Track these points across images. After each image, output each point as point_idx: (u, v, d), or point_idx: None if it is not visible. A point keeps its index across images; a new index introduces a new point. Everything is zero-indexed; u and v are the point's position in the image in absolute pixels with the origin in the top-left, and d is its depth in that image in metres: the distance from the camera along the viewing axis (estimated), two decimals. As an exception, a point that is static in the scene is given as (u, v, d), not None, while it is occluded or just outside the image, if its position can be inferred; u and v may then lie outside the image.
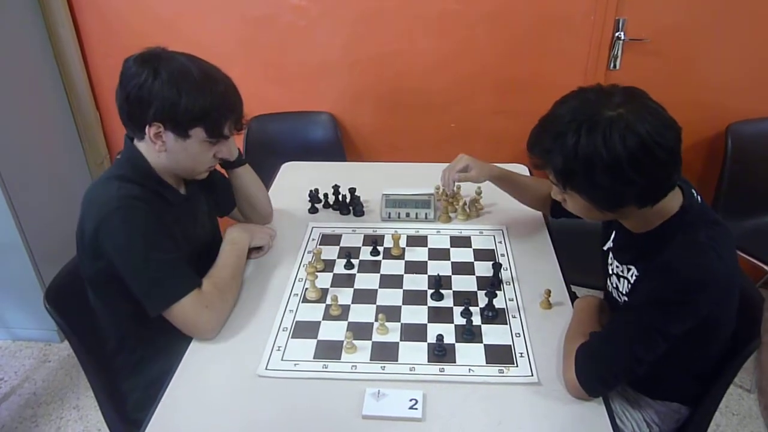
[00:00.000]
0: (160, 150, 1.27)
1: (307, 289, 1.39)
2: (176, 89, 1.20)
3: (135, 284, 1.23)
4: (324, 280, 1.43)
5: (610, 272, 1.28)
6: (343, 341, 1.22)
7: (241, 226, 1.52)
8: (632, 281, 1.19)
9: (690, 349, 1.16)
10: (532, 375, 1.14)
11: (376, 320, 1.27)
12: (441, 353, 1.19)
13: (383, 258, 1.51)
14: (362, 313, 1.32)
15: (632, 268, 1.20)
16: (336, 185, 1.74)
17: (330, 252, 1.54)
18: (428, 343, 1.22)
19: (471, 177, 1.53)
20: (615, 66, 2.29)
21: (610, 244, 1.30)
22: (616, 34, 2.24)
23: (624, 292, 1.23)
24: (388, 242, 1.57)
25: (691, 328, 1.08)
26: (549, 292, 1.32)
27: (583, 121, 1.01)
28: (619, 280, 1.24)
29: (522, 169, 1.97)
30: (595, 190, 1.06)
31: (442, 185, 1.58)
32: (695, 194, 1.16)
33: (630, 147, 0.98)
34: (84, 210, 1.26)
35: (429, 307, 1.34)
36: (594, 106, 1.03)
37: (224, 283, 1.32)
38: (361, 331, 1.25)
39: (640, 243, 1.17)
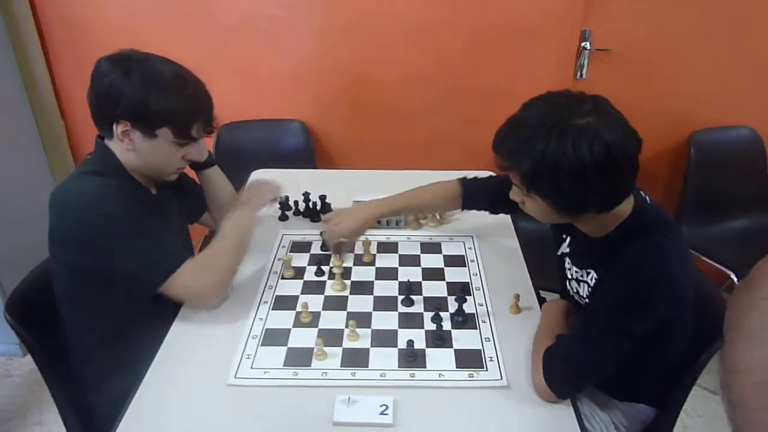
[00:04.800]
0: (128, 148, 1.27)
1: (333, 282, 1.41)
2: (145, 89, 1.21)
3: (129, 264, 1.23)
4: (294, 287, 1.42)
5: (569, 277, 1.30)
6: (313, 348, 1.21)
7: (243, 209, 1.44)
8: (592, 284, 1.21)
9: (651, 350, 1.18)
10: (502, 379, 1.15)
11: (347, 327, 1.27)
12: (411, 359, 1.19)
13: (354, 264, 1.51)
14: (333, 320, 1.31)
15: (591, 271, 1.22)
16: (306, 192, 1.74)
17: (300, 259, 1.53)
18: (399, 349, 1.22)
19: (345, 234, 1.49)
20: (582, 75, 2.34)
21: (565, 249, 1.33)
22: (582, 44, 2.29)
23: (585, 296, 1.25)
24: (358, 249, 1.56)
25: (653, 327, 1.10)
26: (518, 297, 1.34)
27: (553, 126, 1.03)
28: (579, 285, 1.26)
29: (492, 177, 1.99)
30: (559, 195, 1.08)
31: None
32: (644, 195, 1.19)
33: (596, 155, 1.01)
34: (58, 208, 1.24)
35: (399, 312, 1.34)
36: (563, 111, 1.05)
37: (223, 251, 1.33)
38: (331, 337, 1.25)
39: (598, 247, 1.19)
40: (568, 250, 1.32)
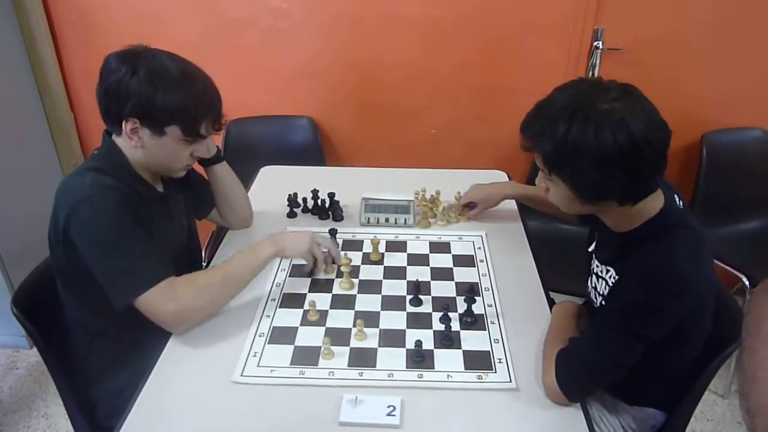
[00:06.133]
0: (136, 146, 1.26)
1: (341, 280, 1.41)
2: (153, 86, 1.20)
3: (101, 274, 1.20)
4: (301, 285, 1.42)
5: (592, 272, 1.29)
6: (320, 347, 1.21)
7: (276, 236, 1.38)
8: (610, 283, 1.20)
9: (664, 354, 1.17)
10: (511, 381, 1.14)
11: (354, 326, 1.26)
12: (419, 359, 1.18)
13: (362, 263, 1.50)
14: (340, 319, 1.30)
15: (610, 269, 1.20)
16: (315, 189, 1.73)
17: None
18: (407, 349, 1.21)
19: (483, 209, 1.63)
20: (593, 74, 2.31)
21: (594, 246, 1.31)
22: (595, 43, 2.26)
23: (601, 293, 1.23)
24: (367, 247, 1.55)
25: (667, 332, 1.09)
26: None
27: (577, 110, 1.02)
28: (598, 281, 1.25)
29: (501, 176, 1.98)
30: (579, 180, 1.07)
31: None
32: (677, 199, 1.17)
33: (620, 142, 0.99)
34: (57, 201, 1.24)
35: (408, 312, 1.33)
36: (591, 97, 1.04)
37: (205, 283, 1.26)
38: (338, 336, 1.24)
39: (618, 242, 1.18)
40: (595, 246, 1.31)
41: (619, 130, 0.99)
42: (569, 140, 1.02)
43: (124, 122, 1.22)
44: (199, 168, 1.51)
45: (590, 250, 1.33)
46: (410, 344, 1.21)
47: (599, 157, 1.01)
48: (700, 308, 1.16)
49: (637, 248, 1.11)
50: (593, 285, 1.28)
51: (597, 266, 1.26)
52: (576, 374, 1.08)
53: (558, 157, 1.06)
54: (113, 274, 1.19)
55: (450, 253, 1.55)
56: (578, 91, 1.07)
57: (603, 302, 1.23)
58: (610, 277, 1.20)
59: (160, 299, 1.19)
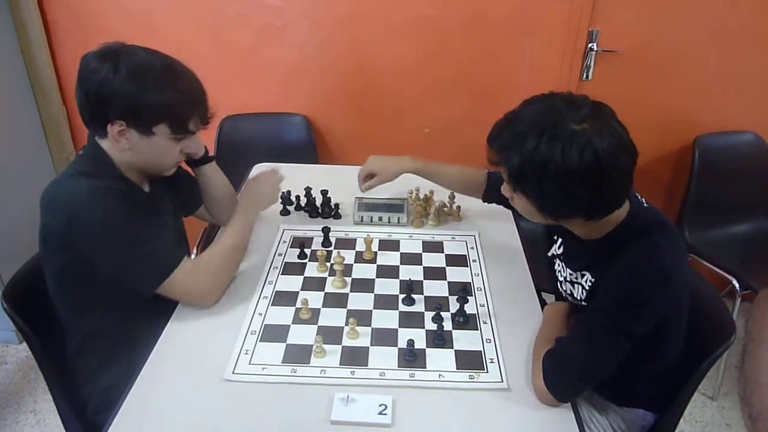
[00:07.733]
0: (125, 148, 1.24)
1: (333, 279, 1.41)
2: (138, 85, 1.17)
3: (121, 269, 1.21)
4: (294, 283, 1.41)
5: (560, 279, 1.30)
6: (312, 345, 1.20)
7: (245, 206, 1.49)
8: (587, 287, 1.20)
9: (648, 352, 1.18)
10: (502, 381, 1.14)
11: (347, 324, 1.26)
12: (411, 358, 1.18)
13: (355, 261, 1.50)
14: (333, 317, 1.30)
15: (586, 273, 1.21)
16: (308, 187, 1.72)
17: (301, 254, 1.52)
18: (399, 348, 1.21)
19: (380, 181, 1.62)
20: (587, 76, 2.32)
21: (556, 250, 1.32)
22: (589, 45, 2.27)
23: (580, 298, 1.24)
24: (360, 246, 1.55)
25: (650, 327, 1.10)
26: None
27: (547, 127, 1.02)
28: (573, 287, 1.25)
29: (495, 176, 1.98)
30: (543, 198, 1.08)
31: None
32: (640, 198, 1.18)
33: (585, 162, 1.00)
34: (48, 207, 1.22)
35: (400, 311, 1.32)
36: (560, 114, 1.03)
37: (221, 263, 1.35)
38: (331, 335, 1.24)
39: (592, 249, 1.18)
40: (560, 251, 1.31)
41: (586, 151, 0.99)
42: (535, 158, 1.02)
43: (109, 125, 1.19)
44: (186, 167, 1.49)
45: (551, 254, 1.34)
46: (402, 343, 1.21)
47: (563, 177, 1.01)
48: (679, 302, 1.18)
49: (615, 251, 1.11)
50: (567, 291, 1.28)
51: (570, 274, 1.26)
52: (564, 375, 1.09)
53: (523, 173, 1.06)
54: (136, 264, 1.22)
55: (443, 252, 1.55)
56: (548, 107, 1.06)
57: (584, 304, 1.23)
58: (586, 281, 1.21)
59: (190, 279, 1.27)
